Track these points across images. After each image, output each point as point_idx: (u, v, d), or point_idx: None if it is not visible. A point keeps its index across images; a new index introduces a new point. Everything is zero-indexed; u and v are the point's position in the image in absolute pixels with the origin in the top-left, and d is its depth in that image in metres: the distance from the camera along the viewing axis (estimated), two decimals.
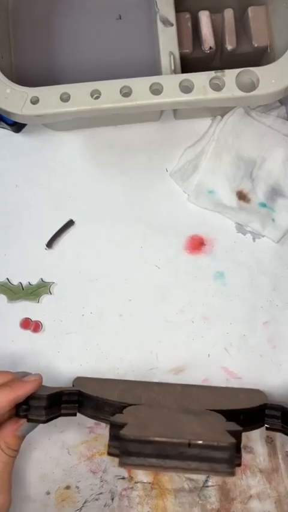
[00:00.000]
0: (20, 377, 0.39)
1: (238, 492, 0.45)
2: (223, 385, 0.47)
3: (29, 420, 0.37)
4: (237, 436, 0.31)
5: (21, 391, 0.37)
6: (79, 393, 0.40)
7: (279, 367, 0.47)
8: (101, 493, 0.45)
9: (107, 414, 0.38)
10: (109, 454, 0.30)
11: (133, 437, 0.29)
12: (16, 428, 0.38)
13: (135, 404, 0.38)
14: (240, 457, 0.31)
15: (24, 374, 0.41)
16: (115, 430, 0.31)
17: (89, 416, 0.39)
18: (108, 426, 0.37)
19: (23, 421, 0.38)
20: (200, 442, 0.29)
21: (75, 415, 0.39)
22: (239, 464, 0.30)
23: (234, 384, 0.47)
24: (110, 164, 0.52)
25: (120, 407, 0.37)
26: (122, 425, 0.31)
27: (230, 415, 0.37)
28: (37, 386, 0.38)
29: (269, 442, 0.46)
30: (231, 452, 0.28)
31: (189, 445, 0.29)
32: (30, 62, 0.49)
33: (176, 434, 0.30)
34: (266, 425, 0.40)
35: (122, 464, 0.29)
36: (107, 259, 0.50)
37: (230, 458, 0.28)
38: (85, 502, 0.45)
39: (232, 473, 0.28)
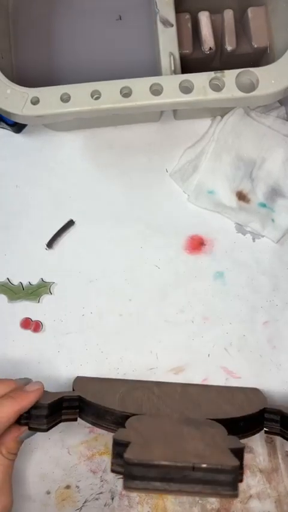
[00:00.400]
0: (22, 386, 0.39)
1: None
2: (222, 384, 0.47)
3: (30, 429, 0.37)
4: (239, 454, 0.31)
5: (25, 402, 0.37)
6: (80, 399, 0.40)
7: (278, 367, 0.47)
8: (101, 493, 0.45)
9: (108, 422, 0.38)
10: (112, 471, 0.31)
11: (137, 461, 0.29)
12: (18, 434, 0.38)
13: (136, 414, 0.38)
14: (242, 473, 0.31)
15: (26, 381, 0.41)
16: (119, 449, 0.31)
17: (89, 423, 0.39)
18: (108, 430, 0.38)
19: (25, 428, 0.38)
20: (204, 465, 0.29)
21: (75, 420, 0.40)
22: (241, 481, 0.30)
23: (233, 383, 0.47)
24: (110, 164, 0.52)
25: (122, 417, 0.38)
26: (125, 444, 0.31)
27: (230, 423, 0.37)
28: (40, 396, 0.38)
29: (269, 442, 0.46)
30: (235, 475, 0.28)
31: (194, 468, 0.29)
32: (30, 62, 0.49)
33: (179, 454, 0.30)
34: (265, 428, 0.40)
35: (126, 488, 0.29)
36: (107, 259, 0.50)
37: (234, 481, 0.28)
38: (85, 502, 0.45)
39: (235, 496, 0.28)
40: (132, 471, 0.29)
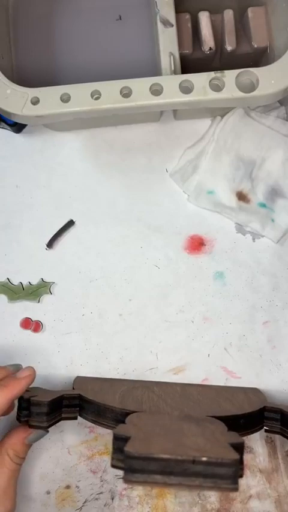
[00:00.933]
0: (13, 372, 0.40)
1: (238, 492, 0.45)
2: (222, 384, 0.47)
3: (30, 426, 0.37)
4: (239, 449, 0.31)
5: (16, 390, 0.37)
6: (80, 397, 0.40)
7: (278, 367, 0.47)
8: (101, 493, 0.45)
9: (108, 420, 0.38)
10: (113, 466, 0.31)
11: (137, 455, 0.29)
12: (25, 436, 0.39)
13: (136, 411, 0.38)
14: (242, 469, 0.31)
15: (17, 367, 0.41)
16: (119, 444, 0.31)
17: (90, 421, 0.39)
18: (110, 431, 0.38)
19: (32, 429, 0.38)
20: (205, 459, 0.28)
21: (76, 418, 0.40)
22: (242, 476, 0.30)
23: (233, 383, 0.47)
24: (110, 164, 0.52)
25: (122, 414, 0.38)
26: (126, 439, 0.31)
27: (230, 420, 0.37)
28: (31, 381, 0.38)
29: (269, 442, 0.46)
30: (235, 469, 0.28)
31: (194, 461, 0.29)
32: (30, 62, 0.49)
33: (179, 448, 0.30)
34: (265, 427, 0.40)
35: (126, 481, 0.29)
36: (107, 259, 0.50)
37: (234, 475, 0.28)
38: (85, 502, 0.45)
39: (236, 489, 0.28)
40: (132, 464, 0.29)
